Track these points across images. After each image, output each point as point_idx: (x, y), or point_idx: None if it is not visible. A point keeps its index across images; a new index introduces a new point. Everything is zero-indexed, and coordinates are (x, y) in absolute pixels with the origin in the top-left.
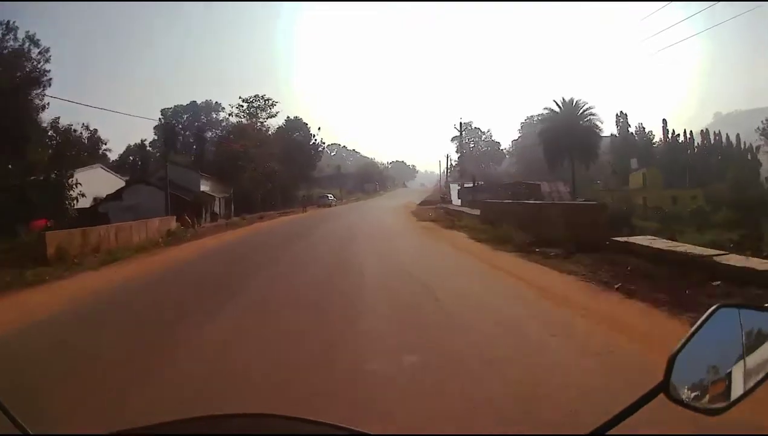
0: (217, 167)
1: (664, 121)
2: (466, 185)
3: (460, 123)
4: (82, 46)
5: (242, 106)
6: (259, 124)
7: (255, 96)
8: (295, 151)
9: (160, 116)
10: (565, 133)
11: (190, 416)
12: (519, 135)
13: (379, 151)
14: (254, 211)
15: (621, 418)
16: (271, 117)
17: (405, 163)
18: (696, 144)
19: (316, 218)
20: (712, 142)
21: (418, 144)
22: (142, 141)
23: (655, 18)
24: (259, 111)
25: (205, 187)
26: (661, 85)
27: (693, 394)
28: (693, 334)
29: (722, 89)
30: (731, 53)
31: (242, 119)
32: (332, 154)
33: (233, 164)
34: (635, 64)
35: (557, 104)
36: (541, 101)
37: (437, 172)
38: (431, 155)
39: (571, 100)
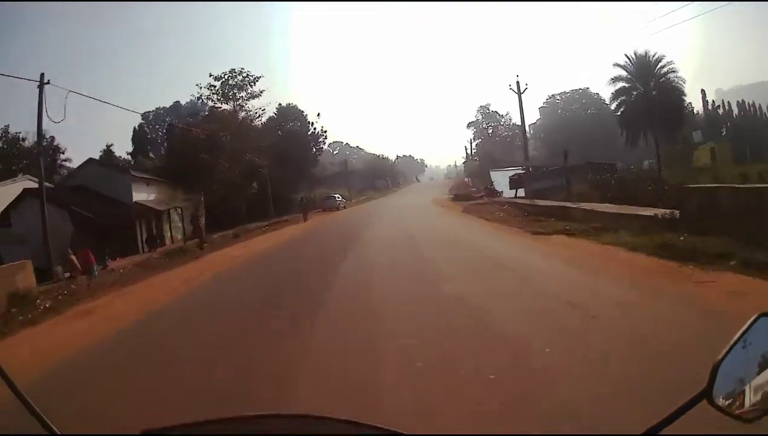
0: (180, 167)
1: (703, 91)
2: (530, 169)
3: (517, 83)
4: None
5: (214, 87)
6: (237, 107)
7: (231, 71)
8: (290, 143)
9: (141, 121)
10: (642, 99)
11: (228, 416)
12: (539, 117)
13: (383, 148)
14: (236, 224)
15: (664, 424)
16: (253, 97)
17: (413, 158)
18: (734, 115)
19: (323, 237)
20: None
21: (422, 139)
22: (108, 147)
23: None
24: (236, 90)
25: (142, 195)
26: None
27: (732, 401)
28: (735, 342)
29: (719, 66)
30: (727, 30)
31: (220, 104)
32: (334, 152)
33: (195, 159)
34: (632, 45)
35: (628, 59)
36: (554, 82)
37: (443, 166)
38: (436, 150)
39: (645, 54)
